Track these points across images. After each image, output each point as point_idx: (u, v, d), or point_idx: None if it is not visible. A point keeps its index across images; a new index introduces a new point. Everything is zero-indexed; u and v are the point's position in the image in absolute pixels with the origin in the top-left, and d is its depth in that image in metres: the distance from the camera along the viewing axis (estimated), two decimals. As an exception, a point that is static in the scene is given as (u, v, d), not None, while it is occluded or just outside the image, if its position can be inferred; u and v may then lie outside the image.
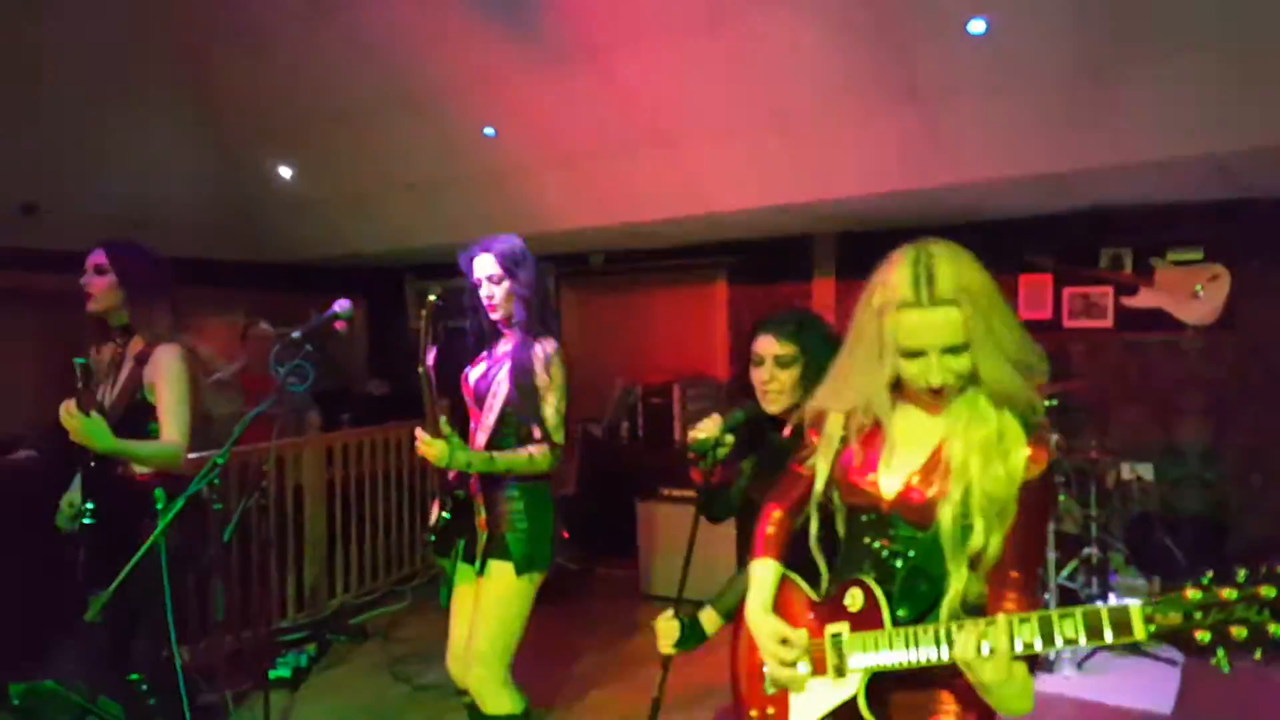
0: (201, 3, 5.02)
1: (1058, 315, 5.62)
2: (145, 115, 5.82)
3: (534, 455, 2.76)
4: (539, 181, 5.40)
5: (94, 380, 2.79)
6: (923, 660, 1.55)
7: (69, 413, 2.59)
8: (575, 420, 6.68)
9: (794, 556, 1.94)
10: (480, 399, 2.86)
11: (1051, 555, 4.45)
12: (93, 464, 2.85)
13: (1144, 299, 5.33)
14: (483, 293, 2.84)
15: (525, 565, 2.79)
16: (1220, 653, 1.20)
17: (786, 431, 2.38)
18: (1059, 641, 1.40)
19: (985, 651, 1.44)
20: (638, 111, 4.69)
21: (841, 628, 1.70)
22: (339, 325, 2.86)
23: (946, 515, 1.58)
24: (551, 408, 2.78)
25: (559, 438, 2.79)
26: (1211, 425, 5.16)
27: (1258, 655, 1.16)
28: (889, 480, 1.71)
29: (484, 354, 2.94)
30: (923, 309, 1.57)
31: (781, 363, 2.34)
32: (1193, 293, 5.17)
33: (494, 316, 2.85)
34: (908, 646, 1.57)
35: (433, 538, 2.91)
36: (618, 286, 7.38)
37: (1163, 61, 3.52)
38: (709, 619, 2.37)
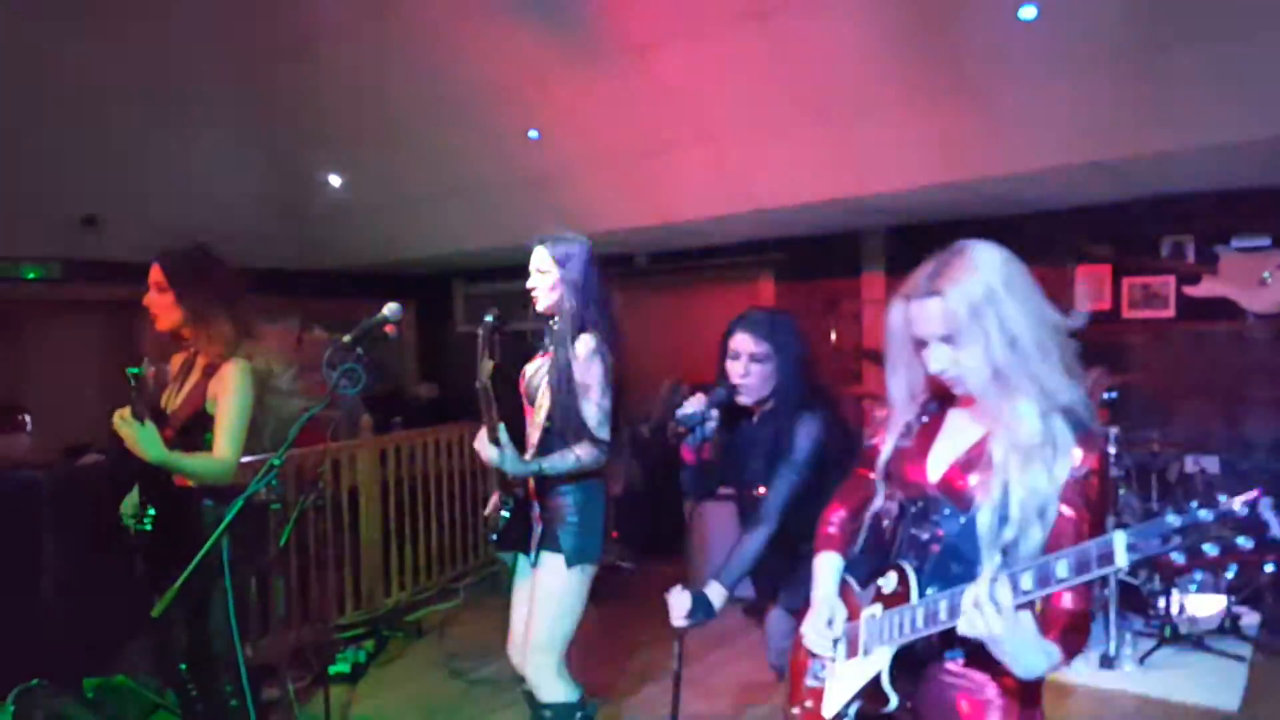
0: (251, 14, 5.12)
1: (1117, 306, 5.49)
2: (198, 127, 5.98)
3: (580, 457, 2.77)
4: (584, 183, 5.43)
5: (148, 389, 2.83)
6: (937, 625, 1.58)
7: (123, 419, 2.66)
8: (623, 420, 6.68)
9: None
10: (531, 396, 2.90)
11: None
12: (151, 471, 2.91)
13: (1207, 288, 5.19)
14: (529, 284, 2.87)
15: (576, 557, 2.82)
16: (1198, 575, 1.21)
17: (755, 417, 2.65)
18: (1052, 583, 1.42)
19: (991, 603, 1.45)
20: (681, 109, 4.69)
21: (875, 609, 1.75)
22: (388, 328, 2.89)
23: (985, 508, 1.60)
24: (594, 404, 2.76)
25: (603, 434, 2.79)
26: (1280, 416, 5.00)
27: (1230, 573, 1.17)
28: (935, 467, 1.74)
29: (540, 352, 2.97)
30: (918, 299, 1.65)
31: (756, 359, 2.56)
32: (1260, 280, 5.02)
33: (539, 308, 2.88)
34: (926, 615, 1.61)
35: (494, 537, 2.95)
36: (663, 286, 7.38)
37: (1221, 40, 3.41)
38: (715, 592, 2.46)
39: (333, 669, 4.35)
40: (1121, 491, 4.57)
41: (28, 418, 4.39)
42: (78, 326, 6.79)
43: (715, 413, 2.54)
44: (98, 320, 6.77)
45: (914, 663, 1.69)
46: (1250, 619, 4.61)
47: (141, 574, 2.89)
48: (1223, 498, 1.26)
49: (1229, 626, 4.47)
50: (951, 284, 1.59)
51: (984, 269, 1.60)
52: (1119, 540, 1.32)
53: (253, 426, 2.90)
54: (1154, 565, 4.58)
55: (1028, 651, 1.45)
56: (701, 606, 2.43)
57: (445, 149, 5.59)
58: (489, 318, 2.80)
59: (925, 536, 1.73)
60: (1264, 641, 4.42)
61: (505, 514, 2.90)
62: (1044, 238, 5.44)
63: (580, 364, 2.76)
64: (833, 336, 6.15)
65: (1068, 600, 1.53)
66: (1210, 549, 1.23)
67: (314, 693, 3.89)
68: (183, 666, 2.91)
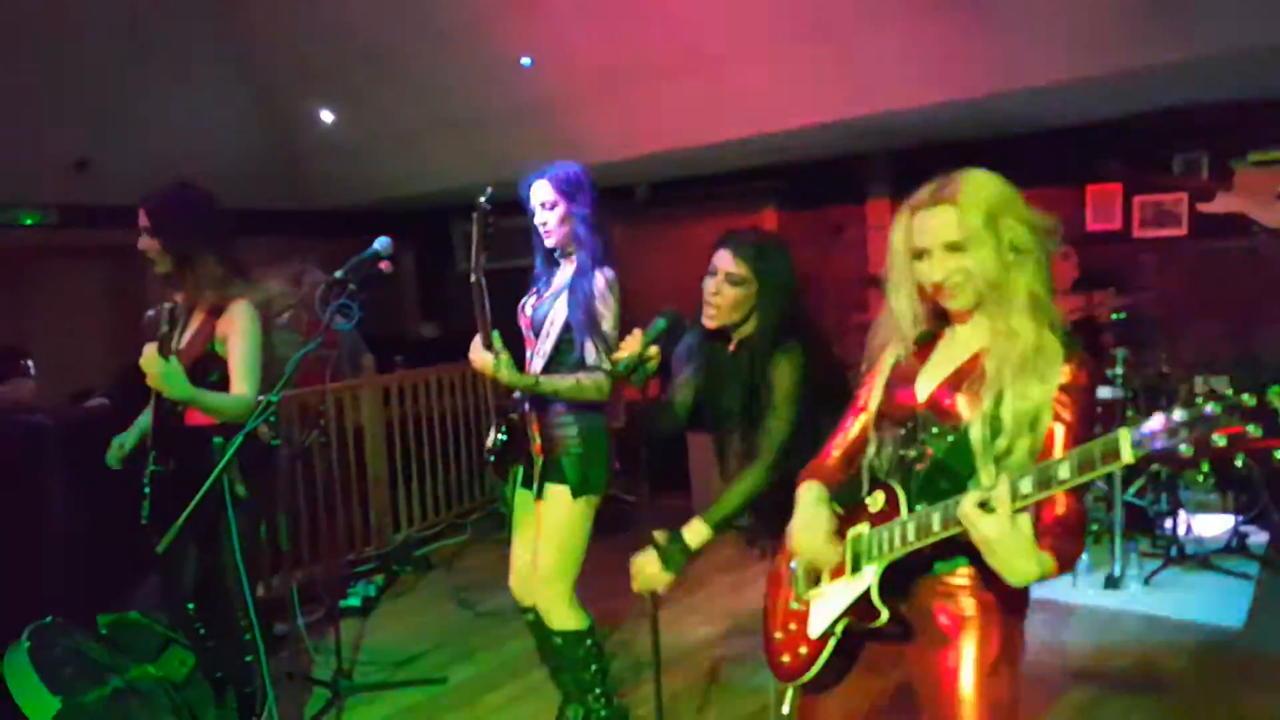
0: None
1: (1127, 225, 5.40)
2: (187, 67, 5.89)
3: (582, 381, 2.73)
4: (580, 111, 5.32)
5: (177, 325, 2.83)
6: (930, 537, 1.58)
7: (149, 357, 2.64)
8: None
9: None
10: (537, 328, 2.85)
11: (1118, 472, 4.32)
12: (164, 412, 2.90)
13: (1222, 204, 5.09)
14: (537, 220, 2.81)
15: (581, 488, 2.81)
16: (1204, 466, 1.20)
17: (731, 346, 2.48)
18: (1054, 485, 1.41)
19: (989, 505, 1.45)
20: (676, 31, 4.57)
21: (861, 528, 1.74)
22: (383, 265, 2.85)
23: (976, 421, 1.62)
24: (608, 334, 2.75)
25: (606, 364, 2.74)
26: (1293, 334, 4.93)
27: (1239, 462, 1.15)
28: (924, 387, 1.74)
29: (540, 284, 2.93)
30: (926, 209, 1.67)
31: (732, 280, 2.40)
32: (1276, 194, 4.90)
33: (549, 244, 2.83)
34: (918, 528, 1.60)
35: (492, 459, 2.95)
36: (663, 218, 7.28)
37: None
38: (695, 531, 2.34)
39: (344, 603, 4.43)
40: (1129, 414, 4.53)
41: (30, 363, 4.37)
42: (77, 271, 6.77)
43: (654, 349, 2.39)
44: (96, 265, 6.75)
45: (902, 577, 1.69)
46: (1258, 537, 4.61)
47: (152, 514, 2.90)
48: (1228, 392, 1.23)
49: (1236, 546, 4.48)
50: (964, 193, 1.64)
51: (992, 182, 1.67)
52: (1124, 436, 1.30)
53: (267, 363, 2.89)
54: (1158, 471, 4.55)
55: (1021, 558, 1.43)
56: (673, 556, 2.32)
57: (436, 80, 5.48)
58: (482, 199, 2.67)
59: (912, 455, 1.72)
60: (1272, 559, 4.43)
61: (501, 436, 2.90)
62: (1052, 157, 5.32)
63: (599, 296, 2.74)
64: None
65: (1061, 509, 1.53)
66: (1219, 440, 1.20)
67: (325, 626, 3.96)
68: (190, 606, 2.94)
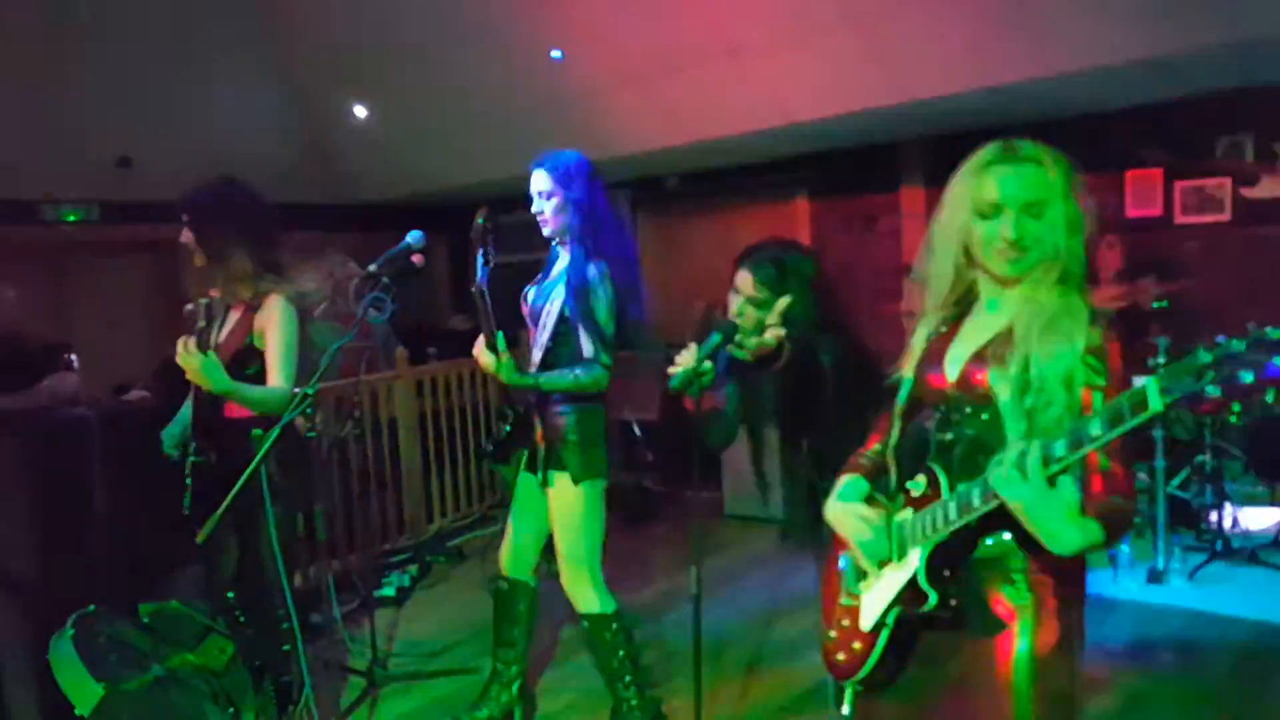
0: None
1: (1169, 212, 5.28)
2: (223, 65, 5.97)
3: (579, 376, 2.79)
4: (611, 103, 5.31)
5: (215, 319, 2.87)
6: (971, 513, 1.54)
7: (187, 351, 2.68)
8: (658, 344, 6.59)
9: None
10: (536, 317, 2.89)
11: (1161, 463, 4.24)
12: (203, 404, 2.95)
13: (1267, 188, 4.95)
14: (534, 208, 2.85)
15: (581, 473, 2.86)
16: (1235, 407, 1.17)
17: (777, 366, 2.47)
18: (1086, 443, 1.36)
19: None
20: (706, 21, 4.53)
21: (906, 513, 1.71)
22: (416, 258, 2.88)
23: (1003, 383, 1.59)
24: (602, 324, 2.81)
25: (605, 358, 2.82)
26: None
27: (1270, 398, 1.12)
28: (952, 366, 1.71)
29: (542, 274, 2.97)
30: (1008, 163, 1.64)
31: (754, 303, 2.41)
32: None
33: (546, 232, 2.87)
34: (959, 506, 1.57)
35: (492, 448, 3.04)
36: (695, 208, 7.25)
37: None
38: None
39: (378, 593, 4.47)
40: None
41: (74, 357, 4.46)
42: (118, 267, 6.90)
43: (709, 364, 2.36)
44: (137, 260, 6.87)
45: (950, 560, 1.65)
46: (1305, 530, 4.51)
47: (193, 504, 2.95)
48: (1251, 326, 1.20)
49: (1284, 539, 4.38)
50: (1046, 156, 1.62)
51: (1056, 152, 1.65)
52: (1150, 386, 1.26)
53: (303, 357, 2.93)
54: (1203, 463, 4.45)
55: (1062, 524, 1.39)
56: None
57: (469, 74, 5.49)
58: (480, 219, 2.76)
59: (950, 437, 1.69)
60: (1319, 552, 4.33)
61: (506, 427, 2.98)
62: (1091, 142, 5.20)
63: (590, 289, 2.78)
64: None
65: (1108, 477, 1.49)
66: (1246, 375, 1.17)
67: (360, 616, 4.01)
68: (229, 595, 2.99)
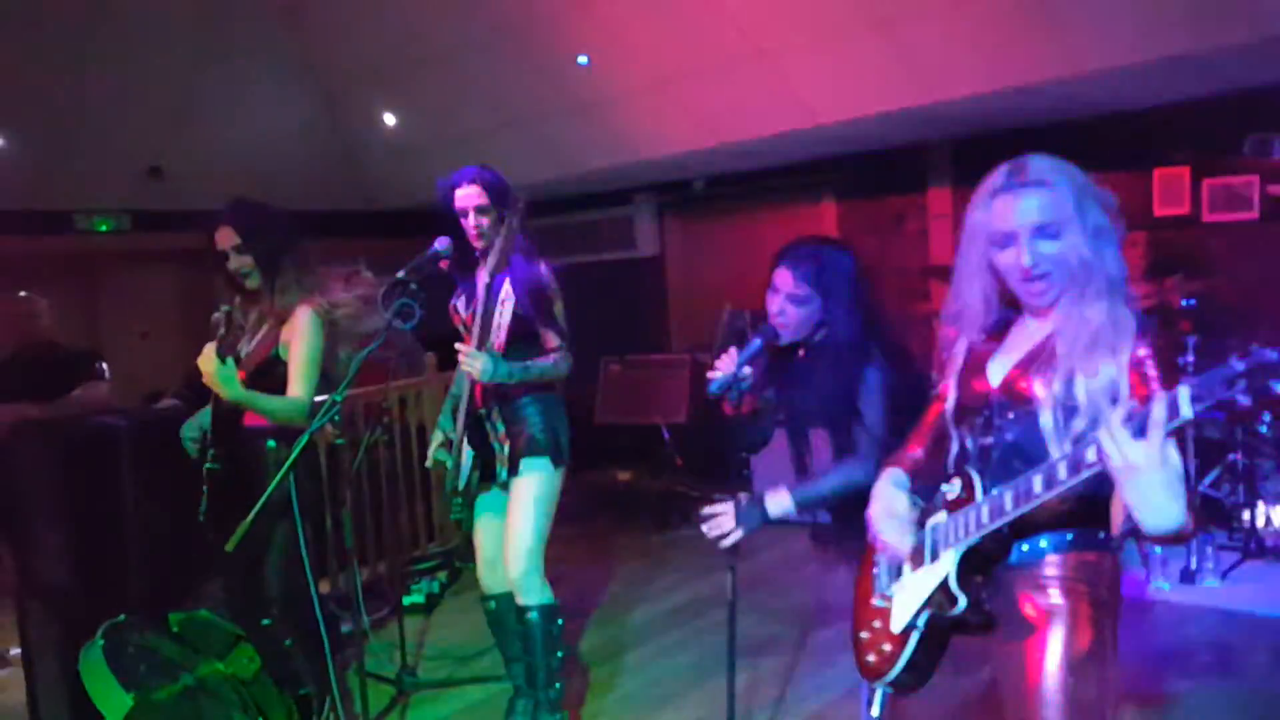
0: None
1: (1196, 210, 5.22)
2: (251, 74, 6.01)
3: (557, 362, 2.91)
4: (638, 107, 5.32)
5: (236, 328, 2.89)
6: (1004, 517, 1.54)
7: (207, 357, 2.72)
8: (683, 348, 6.62)
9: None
10: (486, 320, 2.87)
11: (1192, 462, 4.20)
12: (222, 411, 2.98)
13: (1294, 186, 4.88)
14: (469, 222, 2.90)
15: (558, 456, 2.96)
16: (1266, 417, 1.15)
17: (800, 353, 2.46)
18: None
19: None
20: (732, 25, 4.53)
21: (940, 516, 1.71)
22: (443, 265, 2.91)
23: (1047, 402, 1.59)
24: (561, 318, 2.94)
25: (570, 348, 2.95)
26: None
27: None
28: (997, 372, 1.71)
29: (465, 287, 3.03)
30: (1012, 191, 1.62)
31: (795, 300, 2.38)
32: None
33: (479, 245, 2.92)
34: (991, 510, 1.57)
35: (459, 502, 3.05)
36: (721, 211, 7.24)
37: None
38: (777, 500, 2.31)
39: (407, 599, 4.47)
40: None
41: (105, 366, 4.51)
42: (149, 275, 6.98)
43: (749, 370, 2.38)
44: (167, 268, 6.95)
45: (981, 564, 1.64)
46: (1341, 530, 4.44)
47: (208, 511, 2.98)
48: None
49: (1317, 538, 4.32)
50: (1051, 175, 1.61)
51: (1065, 163, 1.64)
52: (1182, 394, 1.25)
53: (322, 371, 2.95)
54: (1235, 462, 4.39)
55: (1169, 496, 1.29)
56: (755, 512, 2.30)
57: (496, 81, 5.52)
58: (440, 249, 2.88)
59: (989, 441, 1.69)
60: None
61: (463, 461, 3.02)
62: (1118, 141, 5.17)
63: (549, 283, 2.92)
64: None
65: None
66: (1277, 386, 1.17)
67: (389, 622, 4.02)
68: (266, 622, 3.00)
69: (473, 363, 2.75)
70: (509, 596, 3.08)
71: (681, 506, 5.92)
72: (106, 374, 4.50)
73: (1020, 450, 1.63)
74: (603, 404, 6.60)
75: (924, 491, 1.85)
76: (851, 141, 5.67)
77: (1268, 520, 4.44)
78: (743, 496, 2.37)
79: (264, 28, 6.07)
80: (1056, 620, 1.61)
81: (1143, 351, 1.53)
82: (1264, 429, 4.27)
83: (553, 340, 2.93)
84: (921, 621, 1.71)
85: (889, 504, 1.81)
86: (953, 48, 4.19)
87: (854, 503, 2.49)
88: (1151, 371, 1.51)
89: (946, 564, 1.66)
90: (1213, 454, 4.46)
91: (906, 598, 1.76)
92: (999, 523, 1.57)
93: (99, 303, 6.78)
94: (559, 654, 3.01)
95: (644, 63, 4.97)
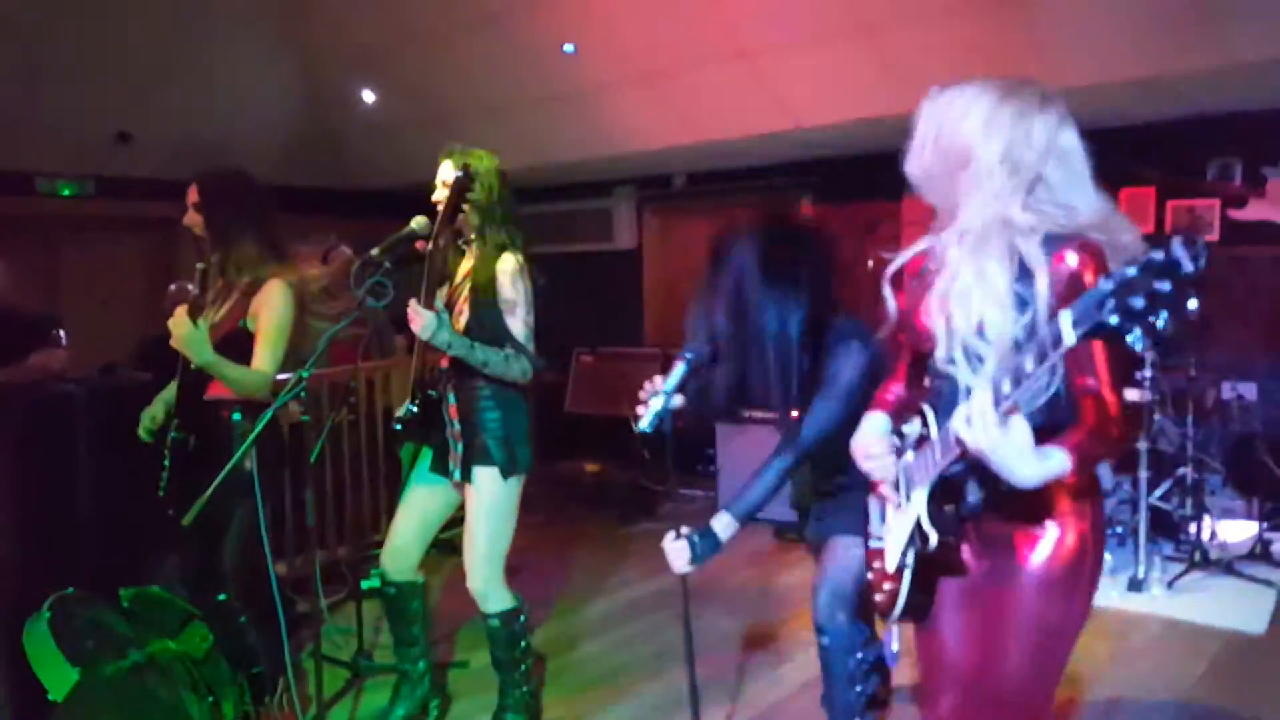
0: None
1: (1160, 229, 5.33)
2: (229, 43, 5.90)
3: (510, 357, 2.75)
4: (621, 100, 5.31)
5: (209, 288, 2.85)
6: (952, 453, 1.56)
7: (178, 319, 2.67)
8: (656, 342, 6.62)
9: None
10: (431, 282, 2.82)
11: (1144, 474, 4.31)
12: (188, 383, 2.94)
13: (1253, 211, 5.02)
14: (435, 196, 2.82)
15: (509, 467, 2.83)
16: (1136, 331, 1.20)
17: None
18: (1025, 377, 1.38)
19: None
20: (720, 22, 4.54)
21: (909, 455, 1.75)
22: (419, 245, 2.87)
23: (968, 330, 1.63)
24: (520, 321, 2.78)
25: (532, 348, 2.80)
26: (1325, 344, 4.87)
27: (1160, 322, 1.16)
28: (933, 309, 1.75)
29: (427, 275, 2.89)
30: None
31: (715, 312, 2.42)
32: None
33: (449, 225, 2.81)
34: (943, 447, 1.60)
35: (399, 427, 2.89)
36: (700, 208, 7.26)
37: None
38: (722, 523, 2.33)
39: (366, 583, 4.41)
40: (1156, 417, 4.50)
41: (62, 333, 4.42)
42: (112, 243, 6.83)
43: (679, 398, 2.37)
44: (131, 236, 6.81)
45: (948, 500, 1.68)
46: (1282, 545, 4.58)
47: (169, 482, 2.94)
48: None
49: (1259, 552, 4.46)
50: None
51: None
52: (1064, 319, 1.30)
53: (291, 345, 2.92)
54: (1183, 476, 4.49)
55: (1019, 463, 1.43)
56: (708, 544, 2.31)
57: (479, 65, 5.48)
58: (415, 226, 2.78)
59: (941, 381, 1.73)
60: (1295, 567, 4.40)
61: (412, 408, 2.87)
62: (1089, 158, 5.25)
63: (507, 281, 2.75)
64: (870, 264, 6.02)
65: (1101, 402, 1.55)
66: (1136, 301, 1.19)
67: (346, 606, 3.99)
68: (222, 597, 2.97)
69: (417, 317, 2.63)
70: (411, 584, 3.05)
71: (647, 500, 5.94)
72: (64, 340, 4.41)
73: (957, 389, 1.65)
74: (573, 394, 6.60)
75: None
76: (830, 146, 5.72)
77: (1213, 533, 4.57)
78: (693, 532, 2.32)
79: (247, -1, 5.96)
80: (1042, 543, 1.66)
81: (1063, 273, 1.57)
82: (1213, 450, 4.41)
83: (521, 335, 2.80)
84: (910, 559, 1.75)
85: (865, 447, 1.83)
86: (931, 58, 4.24)
87: (814, 509, 2.52)
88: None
89: (918, 504, 1.70)
90: (1165, 468, 4.58)
91: (894, 538, 1.81)
92: (950, 459, 1.59)
93: (59, 269, 6.61)
94: (524, 644, 2.97)
95: (630, 55, 4.97)
